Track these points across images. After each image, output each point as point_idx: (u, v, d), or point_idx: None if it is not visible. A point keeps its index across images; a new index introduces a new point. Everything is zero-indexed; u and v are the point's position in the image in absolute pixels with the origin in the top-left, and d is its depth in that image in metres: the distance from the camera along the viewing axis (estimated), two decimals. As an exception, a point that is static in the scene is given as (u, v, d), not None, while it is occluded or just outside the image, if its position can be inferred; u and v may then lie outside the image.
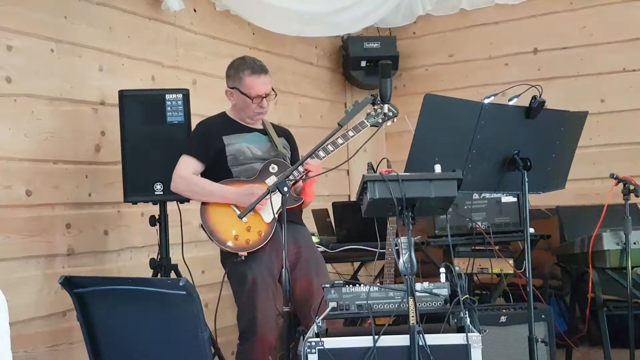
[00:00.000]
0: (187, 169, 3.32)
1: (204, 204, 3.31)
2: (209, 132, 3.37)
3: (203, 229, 3.30)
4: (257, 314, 3.21)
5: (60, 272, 3.24)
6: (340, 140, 3.26)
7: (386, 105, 3.24)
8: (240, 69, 3.33)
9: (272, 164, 3.32)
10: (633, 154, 5.02)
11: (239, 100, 3.35)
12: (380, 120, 3.28)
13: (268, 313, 3.25)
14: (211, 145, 3.33)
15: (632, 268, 3.48)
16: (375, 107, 3.23)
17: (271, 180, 3.24)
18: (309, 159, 3.11)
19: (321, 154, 3.25)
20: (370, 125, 3.28)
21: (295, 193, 3.37)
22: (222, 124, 3.40)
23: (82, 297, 2.88)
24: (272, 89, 3.36)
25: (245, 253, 3.22)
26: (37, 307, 3.40)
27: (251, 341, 3.22)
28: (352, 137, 3.27)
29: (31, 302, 3.37)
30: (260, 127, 3.44)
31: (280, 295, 3.44)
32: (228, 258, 3.29)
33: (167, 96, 3.57)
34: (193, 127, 3.54)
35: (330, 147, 3.25)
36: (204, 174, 3.36)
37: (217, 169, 3.32)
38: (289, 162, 3.41)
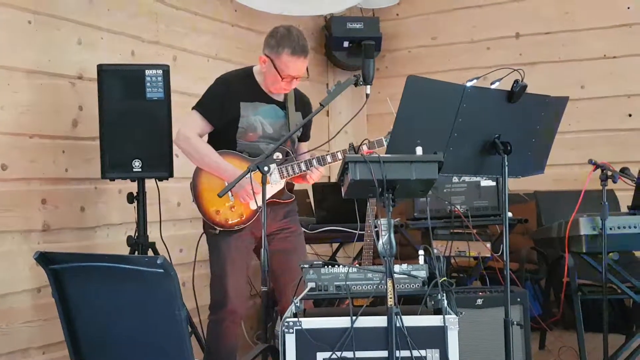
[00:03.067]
0: (194, 129, 3.26)
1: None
2: (228, 94, 3.26)
3: (191, 188, 3.29)
4: (227, 286, 3.23)
5: (36, 248, 3.21)
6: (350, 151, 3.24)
7: None
8: (282, 43, 3.17)
9: (277, 152, 3.24)
10: (611, 140, 5.07)
11: (269, 71, 3.23)
12: None
13: (239, 285, 3.28)
14: (226, 109, 3.24)
15: (608, 253, 3.52)
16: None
17: (272, 169, 3.18)
18: (315, 170, 3.22)
19: (328, 159, 3.25)
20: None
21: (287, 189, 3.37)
22: (244, 86, 3.30)
23: (57, 274, 2.84)
24: (307, 69, 3.25)
25: (218, 230, 3.24)
26: (11, 283, 3.36)
27: (222, 311, 3.25)
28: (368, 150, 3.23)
29: (5, 277, 3.34)
30: (280, 98, 3.35)
31: (257, 269, 3.47)
32: (206, 225, 3.31)
33: (147, 72, 3.51)
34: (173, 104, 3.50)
35: (339, 155, 3.24)
36: (209, 134, 3.33)
37: (224, 135, 3.27)
38: (297, 139, 3.38)
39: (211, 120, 3.27)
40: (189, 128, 3.26)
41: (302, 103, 3.44)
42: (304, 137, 3.48)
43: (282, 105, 3.35)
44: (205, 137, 3.36)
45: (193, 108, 3.30)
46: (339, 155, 3.25)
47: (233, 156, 3.26)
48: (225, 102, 3.25)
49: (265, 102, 3.31)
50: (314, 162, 3.24)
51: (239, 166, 3.22)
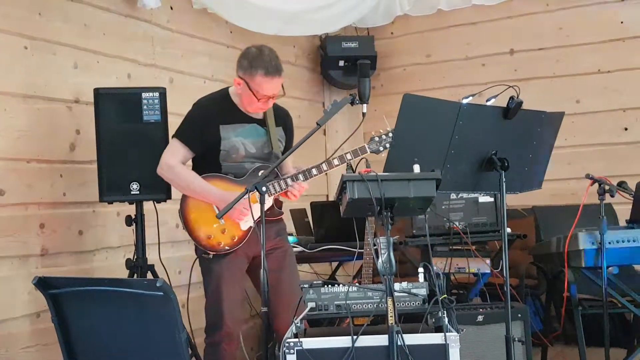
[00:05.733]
0: (176, 157, 3.25)
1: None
2: (207, 118, 3.26)
3: (179, 216, 3.28)
4: (223, 308, 3.21)
5: (34, 273, 3.19)
6: (336, 162, 3.21)
7: (390, 133, 3.23)
8: (255, 65, 3.16)
9: (262, 170, 3.25)
10: (608, 154, 5.08)
11: (244, 92, 3.22)
12: (381, 149, 3.25)
13: (234, 307, 3.26)
14: (206, 134, 3.24)
15: (607, 267, 3.52)
16: (376, 134, 3.24)
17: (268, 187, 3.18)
18: (297, 183, 3.18)
19: (314, 171, 3.23)
20: (370, 152, 3.23)
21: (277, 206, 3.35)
22: (222, 109, 3.29)
23: (56, 298, 2.83)
24: (282, 86, 3.24)
25: (211, 254, 3.23)
26: (10, 308, 3.35)
27: (218, 334, 3.23)
28: (350, 160, 3.21)
29: (4, 303, 3.32)
30: (260, 116, 3.34)
31: (253, 289, 3.45)
32: (199, 250, 3.30)
33: (144, 94, 3.53)
34: (171, 124, 3.51)
35: (324, 166, 3.22)
36: (193, 159, 3.33)
37: (208, 159, 3.27)
38: (281, 154, 3.35)
39: (192, 146, 3.26)
40: (171, 156, 3.26)
41: (281, 117, 3.42)
42: (287, 151, 3.45)
43: (262, 123, 3.34)
44: (190, 163, 3.35)
45: (173, 136, 3.30)
46: (325, 167, 3.23)
47: (218, 179, 3.25)
48: (204, 127, 3.25)
49: (244, 122, 3.31)
50: (300, 176, 3.24)
51: (225, 188, 3.22)
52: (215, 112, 3.28)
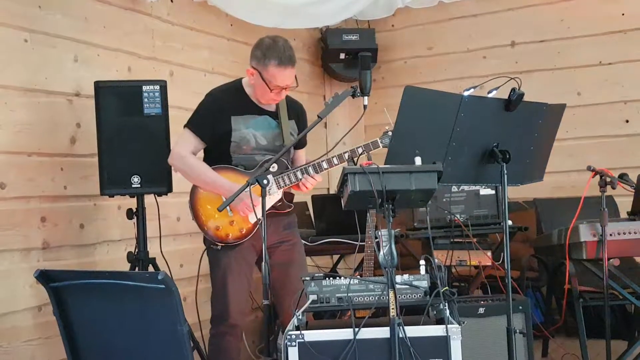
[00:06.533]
0: (188, 147, 3.26)
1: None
2: (219, 109, 3.25)
3: (189, 206, 3.28)
4: (229, 300, 3.22)
5: (36, 266, 3.19)
6: (347, 156, 3.21)
7: None
8: (268, 55, 3.14)
9: (273, 163, 3.25)
10: (609, 146, 5.07)
11: (257, 83, 3.21)
12: None
13: (240, 299, 3.27)
14: (218, 125, 3.24)
15: (608, 259, 3.52)
16: (390, 129, 3.22)
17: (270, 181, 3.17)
18: (309, 177, 3.18)
19: (324, 165, 3.23)
20: (383, 147, 3.21)
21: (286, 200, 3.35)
22: (234, 100, 3.28)
23: (58, 291, 2.84)
24: (296, 77, 3.23)
25: (219, 245, 3.23)
26: (12, 302, 3.35)
27: (223, 325, 3.25)
28: (360, 154, 3.21)
29: (6, 296, 3.32)
30: (272, 109, 3.33)
31: (258, 282, 3.45)
32: (207, 241, 3.31)
33: (144, 87, 3.52)
34: (172, 118, 3.51)
35: (335, 160, 3.22)
36: (205, 150, 3.33)
37: (219, 151, 3.27)
38: (293, 147, 3.35)
39: (203, 137, 3.26)
40: (182, 147, 3.26)
41: (294, 110, 3.42)
42: (300, 144, 3.45)
43: (274, 115, 3.34)
44: (201, 154, 3.35)
45: (185, 126, 3.30)
46: (335, 161, 3.23)
47: (228, 171, 3.26)
48: (216, 117, 3.24)
49: (256, 113, 3.30)
50: (310, 169, 3.23)
51: (234, 180, 3.21)
52: (227, 102, 3.28)
